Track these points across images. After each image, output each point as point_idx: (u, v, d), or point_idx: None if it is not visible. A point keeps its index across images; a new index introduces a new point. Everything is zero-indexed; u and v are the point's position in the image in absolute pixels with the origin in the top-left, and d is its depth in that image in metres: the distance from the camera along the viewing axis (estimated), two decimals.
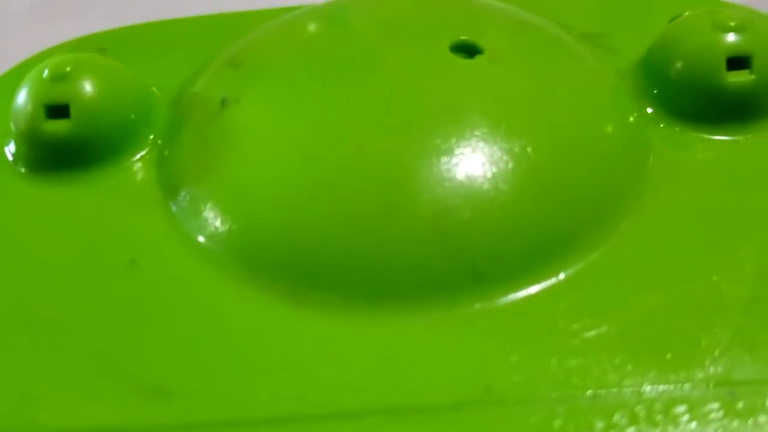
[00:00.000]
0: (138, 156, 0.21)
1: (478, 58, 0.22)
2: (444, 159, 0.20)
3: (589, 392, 0.17)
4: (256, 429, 0.17)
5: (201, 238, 0.20)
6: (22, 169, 0.21)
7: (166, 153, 0.21)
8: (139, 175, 0.21)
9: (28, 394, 0.17)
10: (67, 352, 0.18)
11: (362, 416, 0.17)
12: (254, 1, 0.26)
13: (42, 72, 0.22)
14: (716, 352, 0.17)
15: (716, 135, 0.21)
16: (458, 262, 0.19)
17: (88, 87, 0.21)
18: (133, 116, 0.22)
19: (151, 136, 0.22)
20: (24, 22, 0.33)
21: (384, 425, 0.17)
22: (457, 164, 0.20)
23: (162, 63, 0.24)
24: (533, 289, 0.19)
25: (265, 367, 0.18)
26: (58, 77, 0.21)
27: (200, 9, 0.27)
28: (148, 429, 0.17)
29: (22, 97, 0.21)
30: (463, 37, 0.22)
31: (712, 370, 0.17)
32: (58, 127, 0.21)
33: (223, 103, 0.21)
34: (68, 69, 0.21)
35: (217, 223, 0.20)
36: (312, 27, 0.23)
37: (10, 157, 0.22)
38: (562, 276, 0.19)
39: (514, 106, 0.21)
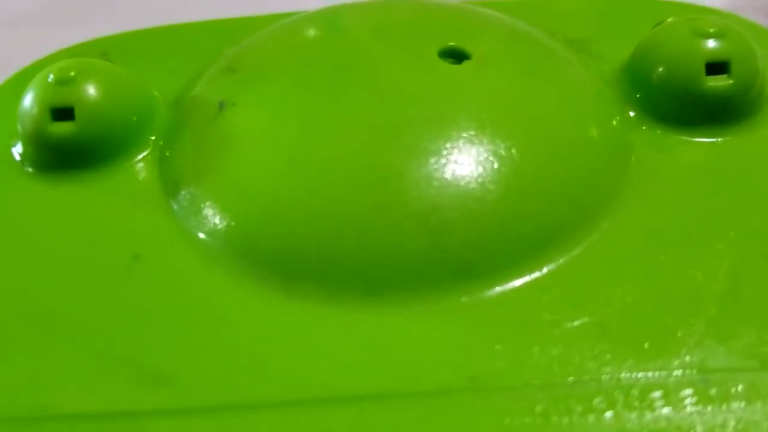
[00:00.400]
0: (140, 156, 0.22)
1: (465, 64, 0.22)
2: (433, 160, 0.20)
3: (570, 379, 0.17)
4: (253, 413, 0.17)
5: (200, 234, 0.20)
6: (29, 169, 0.22)
7: (167, 153, 0.22)
8: (141, 175, 0.22)
9: (39, 382, 0.18)
10: (75, 342, 0.19)
11: (353, 401, 0.17)
12: (251, 7, 0.27)
13: (47, 76, 0.22)
14: (691, 342, 0.18)
15: (696, 137, 0.22)
16: (446, 257, 0.19)
17: (92, 90, 0.22)
18: (135, 118, 0.22)
19: (153, 138, 0.22)
20: (27, 28, 0.33)
21: (374, 410, 0.17)
22: (445, 165, 0.20)
23: (162, 67, 0.25)
24: (517, 283, 0.19)
25: (261, 355, 0.18)
26: (63, 81, 0.22)
27: (199, 15, 0.27)
28: (151, 414, 0.17)
29: (28, 100, 0.22)
30: (451, 43, 0.23)
31: (687, 358, 0.18)
32: (63, 129, 0.22)
33: (221, 106, 0.22)
34: (73, 73, 0.22)
35: (216, 220, 0.20)
36: (306, 33, 0.24)
37: (18, 158, 0.22)
38: (545, 270, 0.20)
39: (501, 110, 0.22)
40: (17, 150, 0.23)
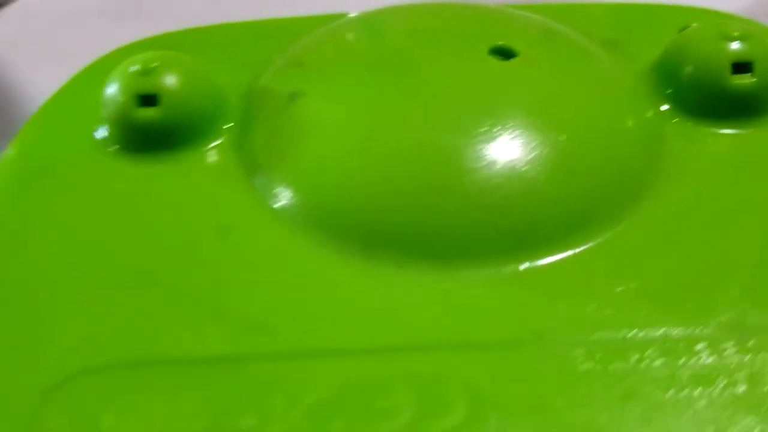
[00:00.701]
0: (216, 142, 0.24)
1: (513, 61, 0.24)
2: (488, 145, 0.22)
3: (623, 333, 0.20)
4: (343, 357, 0.19)
5: (282, 209, 0.22)
6: (116, 149, 0.24)
7: (243, 139, 0.24)
8: (220, 157, 0.24)
9: (152, 331, 0.20)
10: (179, 298, 0.20)
11: (432, 349, 0.19)
12: (304, 7, 0.29)
13: (130, 66, 0.24)
14: (728, 304, 0.20)
15: (723, 129, 0.24)
16: (503, 231, 0.21)
17: (173, 80, 0.24)
18: (212, 107, 0.24)
19: (227, 125, 0.24)
20: (91, 24, 0.35)
21: (450, 356, 0.19)
22: (498, 150, 0.22)
23: (224, 61, 0.27)
24: (569, 253, 0.21)
25: (346, 309, 0.20)
26: (147, 71, 0.24)
27: (254, 14, 0.29)
28: (251, 357, 0.19)
29: (114, 88, 0.24)
30: (500, 42, 0.25)
31: (725, 317, 0.20)
32: (148, 113, 0.24)
33: (292, 96, 0.24)
34: (156, 64, 0.24)
35: (295, 196, 0.22)
36: (364, 31, 0.26)
37: (103, 141, 0.24)
38: (592, 243, 0.21)
39: (547, 102, 0.24)
40: (101, 134, 0.24)
